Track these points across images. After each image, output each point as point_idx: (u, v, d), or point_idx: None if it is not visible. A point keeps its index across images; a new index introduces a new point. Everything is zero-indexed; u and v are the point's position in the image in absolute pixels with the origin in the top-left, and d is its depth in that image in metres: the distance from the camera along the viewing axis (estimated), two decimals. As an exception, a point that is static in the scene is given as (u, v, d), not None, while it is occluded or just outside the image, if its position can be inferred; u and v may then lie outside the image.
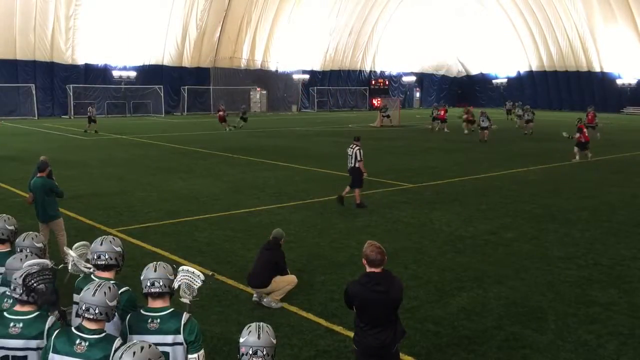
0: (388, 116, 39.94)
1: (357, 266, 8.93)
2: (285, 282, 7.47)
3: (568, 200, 14.42)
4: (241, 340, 3.36)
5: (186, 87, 52.34)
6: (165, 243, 10.17)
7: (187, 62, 53.19)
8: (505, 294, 7.85)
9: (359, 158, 13.32)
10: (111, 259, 4.21)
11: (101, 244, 4.24)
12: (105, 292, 3.45)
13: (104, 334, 3.44)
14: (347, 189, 13.46)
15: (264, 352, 3.28)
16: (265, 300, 7.38)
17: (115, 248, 4.25)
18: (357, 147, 13.44)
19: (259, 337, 3.32)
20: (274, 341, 3.38)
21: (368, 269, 4.71)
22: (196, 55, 53.43)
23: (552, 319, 7.00)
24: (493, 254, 9.71)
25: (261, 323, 3.45)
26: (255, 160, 21.27)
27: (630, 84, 61.71)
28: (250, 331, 3.36)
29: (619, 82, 62.63)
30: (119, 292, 3.92)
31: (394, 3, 64.64)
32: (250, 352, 3.28)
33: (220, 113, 35.31)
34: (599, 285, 8.19)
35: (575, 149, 21.90)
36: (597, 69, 63.81)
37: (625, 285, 8.22)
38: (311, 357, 6.06)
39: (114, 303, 3.50)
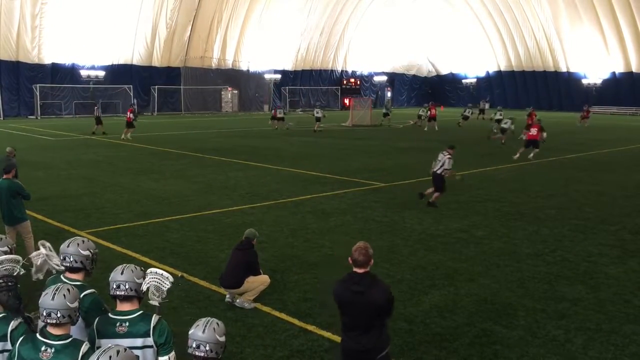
0: (387, 114, 39.93)
1: (331, 266, 8.96)
2: (258, 282, 7.44)
3: (536, 199, 14.68)
4: (189, 332, 3.38)
5: (156, 86, 51.76)
6: (136, 245, 10.04)
7: (157, 62, 52.62)
8: (476, 291, 7.96)
9: (447, 167, 13.18)
10: (76, 262, 4.15)
11: (68, 245, 4.20)
12: (64, 295, 3.37)
13: (70, 339, 3.38)
14: (431, 189, 13.48)
15: (207, 348, 3.29)
16: (238, 301, 7.34)
17: (82, 251, 4.18)
18: (449, 156, 13.24)
19: (203, 332, 3.33)
20: (221, 339, 3.36)
21: (353, 269, 4.68)
22: (166, 54, 52.89)
23: (521, 315, 7.12)
24: (464, 252, 9.83)
25: (212, 319, 3.45)
26: (226, 161, 21.14)
27: (595, 84, 63.19)
28: (198, 325, 3.38)
29: (584, 82, 64.09)
30: (83, 294, 3.89)
31: (364, 3, 64.95)
32: (194, 345, 3.31)
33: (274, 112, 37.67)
34: (566, 281, 8.36)
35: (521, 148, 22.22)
36: (564, 69, 65.21)
37: (592, 281, 8.40)
38: (285, 357, 6.06)
39: (76, 304, 3.43)
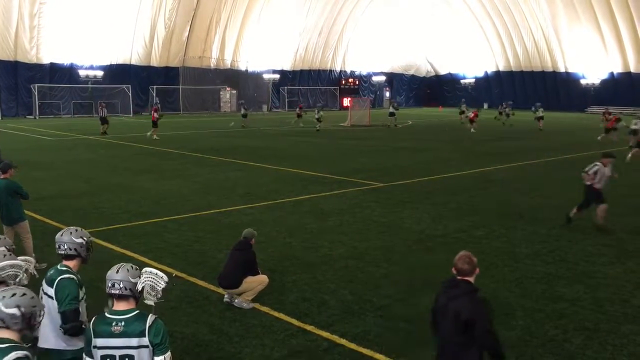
0: (393, 114, 39.88)
1: (329, 266, 8.98)
2: (257, 282, 7.44)
3: (535, 199, 14.69)
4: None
5: (155, 86, 51.72)
6: (134, 245, 10.04)
7: (155, 62, 52.58)
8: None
9: (608, 174, 11.62)
10: (70, 249, 4.48)
11: (62, 234, 4.54)
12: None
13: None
14: (575, 210, 11.84)
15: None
16: (236, 301, 7.34)
17: (75, 239, 4.51)
18: (605, 166, 11.58)
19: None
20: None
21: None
22: (165, 54, 52.87)
23: (520, 314, 7.12)
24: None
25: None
26: (225, 161, 21.14)
27: (593, 84, 63.27)
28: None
29: (582, 82, 64.16)
30: (60, 277, 4.32)
31: (363, 3, 64.95)
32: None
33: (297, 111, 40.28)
34: (565, 281, 8.36)
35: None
36: (562, 69, 65.27)
37: (590, 281, 8.41)
38: (283, 357, 6.06)
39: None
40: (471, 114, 36.74)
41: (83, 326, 4.28)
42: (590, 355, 6.07)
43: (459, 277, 4.43)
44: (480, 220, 12.11)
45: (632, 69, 59.98)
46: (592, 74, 63.09)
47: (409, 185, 16.40)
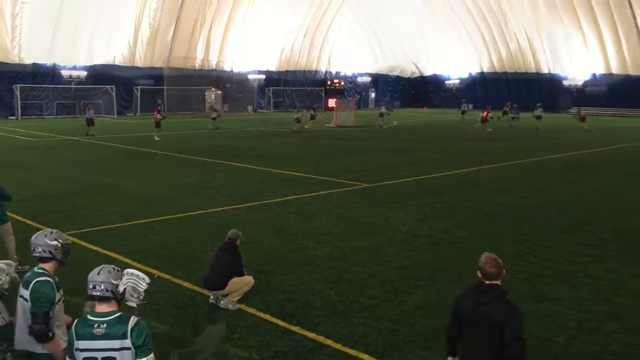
0: (382, 114, 40.16)
1: (315, 266, 8.98)
2: (242, 283, 7.41)
3: (518, 199, 14.81)
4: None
5: (139, 87, 51.38)
6: (118, 246, 9.96)
7: (139, 62, 52.24)
8: (459, 291, 7.99)
9: None
10: (44, 252, 4.44)
11: (36, 237, 4.50)
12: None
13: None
14: None
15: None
16: (222, 302, 7.32)
17: (49, 242, 4.45)
18: None
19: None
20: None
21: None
22: (149, 55, 52.53)
23: (504, 314, 7.17)
24: (447, 252, 9.89)
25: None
26: (210, 161, 21.06)
27: (576, 85, 64.01)
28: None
29: (565, 83, 64.88)
30: (36, 280, 4.27)
31: (348, 4, 65.06)
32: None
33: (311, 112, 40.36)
34: (548, 281, 8.44)
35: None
36: (545, 71, 65.93)
37: (574, 280, 8.50)
38: (269, 358, 6.04)
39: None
40: (483, 114, 37.67)
41: (50, 334, 4.26)
42: (574, 354, 6.14)
43: (486, 282, 4.26)
44: (464, 221, 12.18)
45: (614, 70, 60.75)
46: (575, 75, 63.84)
47: (395, 186, 16.45)
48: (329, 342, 6.37)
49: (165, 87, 53.70)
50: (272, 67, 62.99)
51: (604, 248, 10.24)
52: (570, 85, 64.46)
